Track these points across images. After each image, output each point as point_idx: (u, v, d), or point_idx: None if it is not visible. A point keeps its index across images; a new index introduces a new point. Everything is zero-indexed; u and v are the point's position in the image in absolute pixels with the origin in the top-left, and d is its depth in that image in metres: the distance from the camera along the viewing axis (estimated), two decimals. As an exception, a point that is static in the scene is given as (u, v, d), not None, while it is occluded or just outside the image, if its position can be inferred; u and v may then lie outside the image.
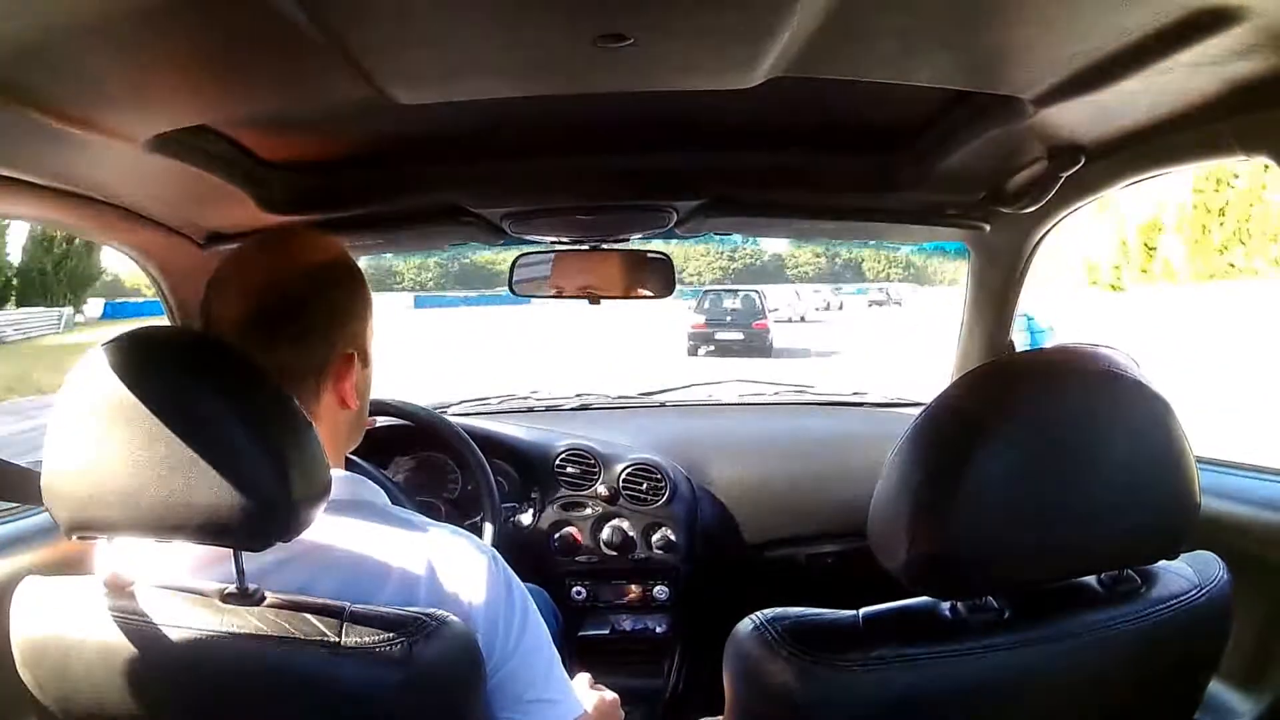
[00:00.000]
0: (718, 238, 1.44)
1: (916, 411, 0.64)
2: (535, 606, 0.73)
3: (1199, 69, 0.70)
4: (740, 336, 13.91)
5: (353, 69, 0.68)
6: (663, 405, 2.00)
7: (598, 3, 0.61)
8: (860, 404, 1.90)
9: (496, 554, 0.72)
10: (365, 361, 0.77)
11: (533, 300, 1.47)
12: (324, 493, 0.63)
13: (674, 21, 0.64)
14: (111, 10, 0.54)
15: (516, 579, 0.72)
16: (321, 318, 0.73)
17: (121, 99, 0.70)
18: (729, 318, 14.53)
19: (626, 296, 1.36)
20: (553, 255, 1.34)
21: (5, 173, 0.85)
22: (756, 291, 15.79)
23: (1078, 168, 0.98)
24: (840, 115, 1.02)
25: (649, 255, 1.33)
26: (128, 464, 0.59)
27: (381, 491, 0.75)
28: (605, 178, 1.16)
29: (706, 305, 14.97)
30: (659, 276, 1.34)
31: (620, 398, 1.99)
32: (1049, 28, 0.65)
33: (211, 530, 0.60)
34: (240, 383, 0.60)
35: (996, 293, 1.40)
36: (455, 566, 0.68)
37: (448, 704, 0.63)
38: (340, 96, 0.76)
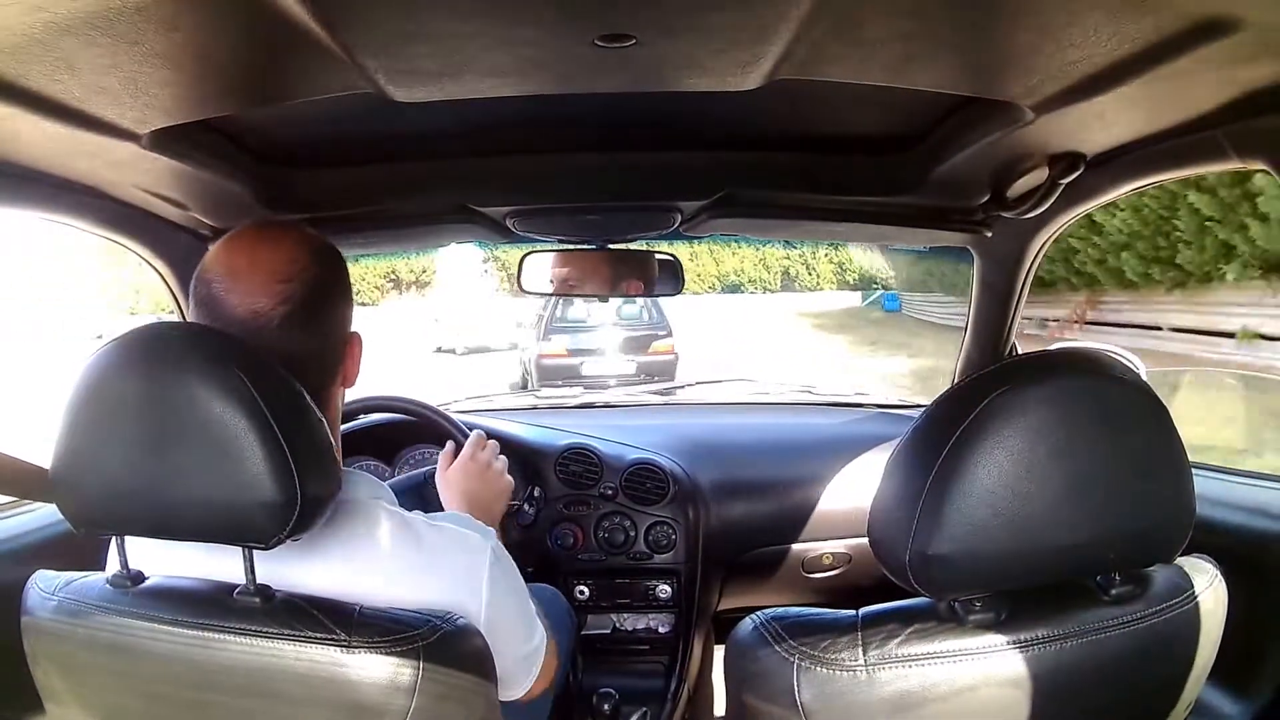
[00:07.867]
0: (723, 238, 1.45)
1: (918, 413, 0.65)
2: (528, 591, 0.78)
3: (1198, 76, 0.70)
4: (631, 370, 7.52)
5: (352, 66, 0.68)
6: (665, 404, 2.00)
7: (601, 2, 0.61)
8: (863, 405, 1.90)
9: (499, 544, 0.74)
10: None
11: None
12: (335, 489, 0.64)
13: (677, 22, 0.64)
14: (112, 5, 0.54)
15: (515, 568, 0.76)
16: (329, 304, 0.73)
17: (121, 94, 0.70)
18: (606, 340, 7.89)
19: (639, 295, 1.38)
20: (562, 253, 1.35)
21: (6, 167, 0.85)
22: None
23: (1077, 174, 0.98)
24: (843, 118, 1.02)
25: (657, 254, 1.34)
26: (136, 461, 0.59)
27: (388, 489, 0.76)
28: (611, 177, 1.16)
29: (563, 316, 8.05)
30: (668, 275, 1.35)
31: (623, 395, 1.99)
32: (1049, 35, 0.65)
33: (222, 529, 0.61)
34: (251, 378, 0.60)
35: (999, 297, 1.40)
36: (462, 560, 0.70)
37: (457, 704, 0.64)
38: (340, 94, 0.76)
